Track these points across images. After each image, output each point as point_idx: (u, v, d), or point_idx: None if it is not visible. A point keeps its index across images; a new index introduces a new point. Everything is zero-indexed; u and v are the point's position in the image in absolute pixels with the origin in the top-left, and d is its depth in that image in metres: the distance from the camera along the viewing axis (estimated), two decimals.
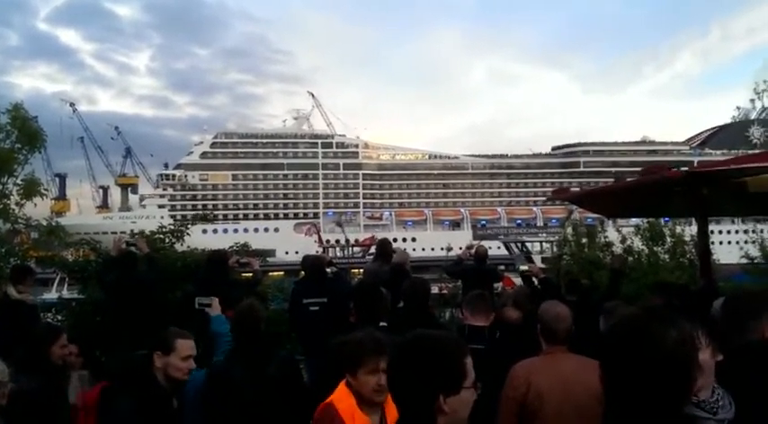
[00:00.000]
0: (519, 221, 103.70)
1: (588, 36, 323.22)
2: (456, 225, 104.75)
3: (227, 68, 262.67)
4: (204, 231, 10.54)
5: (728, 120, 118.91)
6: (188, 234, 9.19)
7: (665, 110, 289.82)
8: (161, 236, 8.94)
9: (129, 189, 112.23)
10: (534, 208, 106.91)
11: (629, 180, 6.50)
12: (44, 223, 10.46)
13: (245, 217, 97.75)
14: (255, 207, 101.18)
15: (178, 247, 9.03)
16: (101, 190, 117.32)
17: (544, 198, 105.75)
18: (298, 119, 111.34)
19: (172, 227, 9.19)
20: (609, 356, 1.75)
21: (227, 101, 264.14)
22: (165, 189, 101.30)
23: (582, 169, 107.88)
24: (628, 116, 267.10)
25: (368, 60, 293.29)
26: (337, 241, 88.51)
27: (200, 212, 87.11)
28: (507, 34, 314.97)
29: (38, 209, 10.69)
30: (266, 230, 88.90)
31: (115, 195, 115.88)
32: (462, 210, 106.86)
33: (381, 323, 4.42)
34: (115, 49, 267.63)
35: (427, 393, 1.83)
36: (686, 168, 5.32)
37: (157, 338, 3.48)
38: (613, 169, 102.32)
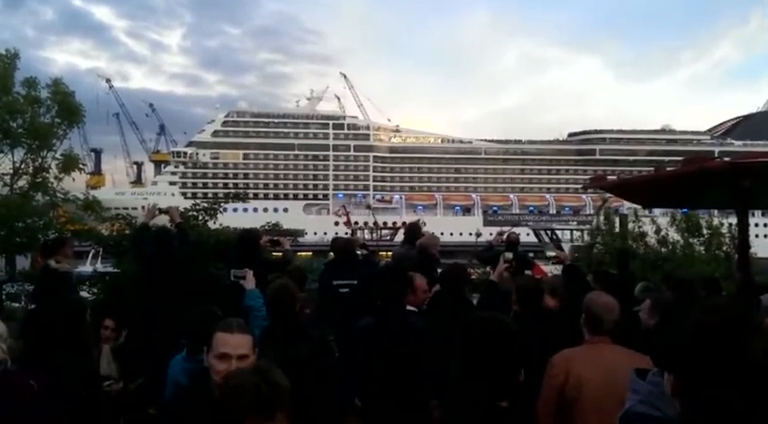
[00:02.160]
0: (531, 208, 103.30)
1: (623, 21, 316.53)
2: (467, 210, 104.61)
3: (257, 48, 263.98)
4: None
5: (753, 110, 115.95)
6: (221, 211, 9.26)
7: (701, 98, 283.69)
8: (194, 214, 9.02)
9: (163, 165, 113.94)
10: (547, 196, 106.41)
11: (668, 169, 6.36)
12: (81, 197, 10.65)
13: (255, 197, 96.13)
14: (266, 186, 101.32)
15: (210, 225, 9.12)
16: (135, 166, 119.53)
17: (558, 186, 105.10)
18: (311, 100, 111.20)
19: (206, 205, 9.26)
20: (688, 363, 1.60)
21: (258, 81, 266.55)
22: (176, 167, 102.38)
23: (597, 157, 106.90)
24: (662, 104, 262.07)
25: (397, 43, 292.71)
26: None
27: (212, 190, 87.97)
28: (539, 17, 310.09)
29: (74, 183, 10.90)
30: (276, 210, 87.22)
31: (149, 171, 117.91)
32: (474, 196, 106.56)
33: (409, 308, 4.42)
34: (148, 27, 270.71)
35: (515, 369, 2.24)
36: (728, 158, 5.18)
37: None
38: (631, 157, 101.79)
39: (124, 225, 9.08)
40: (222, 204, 9.57)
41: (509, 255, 5.58)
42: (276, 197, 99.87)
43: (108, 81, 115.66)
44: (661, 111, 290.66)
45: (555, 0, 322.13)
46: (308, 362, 3.54)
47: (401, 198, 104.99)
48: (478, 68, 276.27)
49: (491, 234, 10.30)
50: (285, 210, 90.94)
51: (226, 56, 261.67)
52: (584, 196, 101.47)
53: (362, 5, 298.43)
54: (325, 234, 79.85)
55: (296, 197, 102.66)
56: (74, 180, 10.47)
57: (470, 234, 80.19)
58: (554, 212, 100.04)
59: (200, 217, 9.05)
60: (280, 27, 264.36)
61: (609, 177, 9.25)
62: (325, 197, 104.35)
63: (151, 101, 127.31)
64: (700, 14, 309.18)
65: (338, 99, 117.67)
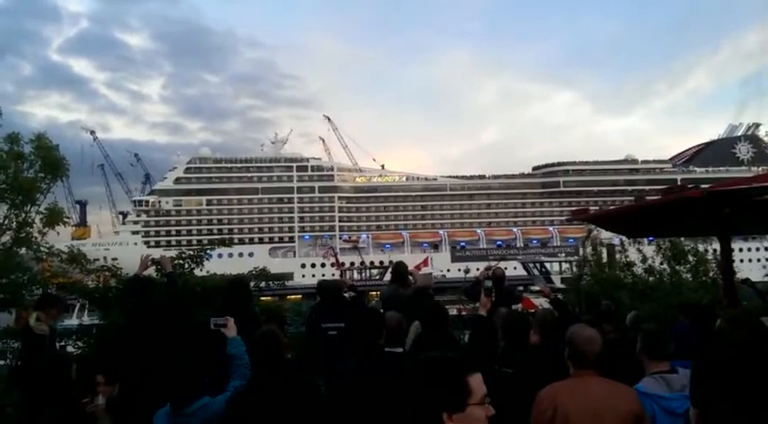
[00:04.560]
0: (499, 242, 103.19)
1: (599, 54, 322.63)
2: (434, 247, 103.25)
3: (237, 94, 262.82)
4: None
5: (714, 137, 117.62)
6: (207, 258, 9.22)
7: (677, 128, 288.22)
8: (180, 261, 8.97)
9: None
10: (514, 229, 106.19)
11: (649, 199, 6.45)
12: (65, 250, 10.57)
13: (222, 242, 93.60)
14: (230, 232, 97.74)
15: (197, 272, 9.06)
16: (120, 216, 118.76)
17: (524, 219, 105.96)
18: (275, 144, 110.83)
19: (191, 253, 9.21)
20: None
21: (240, 126, 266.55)
22: (138, 216, 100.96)
23: (562, 188, 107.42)
24: (640, 134, 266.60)
25: (378, 83, 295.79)
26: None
27: (175, 238, 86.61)
28: (516, 55, 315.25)
29: (59, 237, 10.82)
30: (241, 255, 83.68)
31: None
32: (441, 232, 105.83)
33: (390, 349, 4.37)
34: (127, 78, 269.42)
35: (430, 412, 1.93)
36: (707, 186, 5.26)
37: None
38: (594, 188, 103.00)
39: (109, 276, 8.99)
40: (208, 251, 9.53)
41: (488, 283, 5.57)
42: (241, 241, 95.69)
43: (92, 133, 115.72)
44: (639, 142, 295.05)
45: (530, 35, 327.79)
46: (297, 406, 3.51)
47: (368, 237, 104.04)
48: (459, 106, 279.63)
49: (478, 269, 10.37)
50: (251, 255, 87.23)
51: (206, 103, 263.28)
52: (550, 228, 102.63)
53: (338, 49, 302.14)
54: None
55: (261, 241, 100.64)
56: (58, 233, 10.40)
57: (440, 270, 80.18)
58: (522, 245, 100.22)
59: (186, 265, 9.00)
60: (258, 73, 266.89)
61: (591, 208, 9.35)
62: (291, 239, 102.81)
63: (133, 150, 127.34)
64: (672, 45, 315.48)
65: (323, 141, 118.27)
